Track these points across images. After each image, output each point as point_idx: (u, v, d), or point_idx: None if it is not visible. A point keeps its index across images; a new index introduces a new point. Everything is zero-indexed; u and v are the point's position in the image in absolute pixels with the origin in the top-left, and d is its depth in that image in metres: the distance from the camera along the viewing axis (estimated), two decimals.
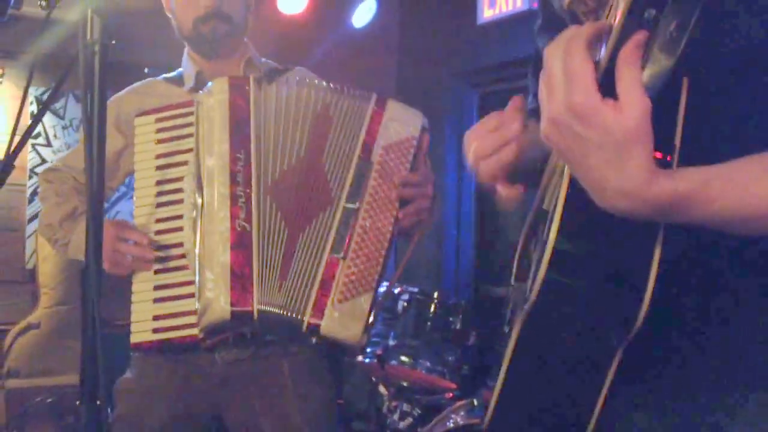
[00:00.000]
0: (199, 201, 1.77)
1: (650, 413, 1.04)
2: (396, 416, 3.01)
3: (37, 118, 1.78)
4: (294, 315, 1.75)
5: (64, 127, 5.15)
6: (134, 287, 1.89)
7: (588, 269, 0.87)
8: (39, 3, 1.21)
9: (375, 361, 2.90)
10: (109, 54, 1.05)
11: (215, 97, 1.84)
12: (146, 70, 5.25)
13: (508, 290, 1.33)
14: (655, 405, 1.03)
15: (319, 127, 1.88)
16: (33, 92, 5.00)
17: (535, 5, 4.41)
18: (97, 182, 1.01)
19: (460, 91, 5.09)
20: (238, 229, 1.73)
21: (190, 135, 1.89)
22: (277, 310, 1.74)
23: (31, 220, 4.98)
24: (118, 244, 1.85)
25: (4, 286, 4.92)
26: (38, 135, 4.95)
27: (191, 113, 1.89)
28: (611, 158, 0.76)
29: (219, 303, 1.69)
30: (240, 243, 1.73)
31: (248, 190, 1.77)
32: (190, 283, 1.81)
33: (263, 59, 2.23)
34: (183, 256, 1.85)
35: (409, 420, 2.99)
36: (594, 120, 0.75)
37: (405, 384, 3.03)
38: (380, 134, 1.88)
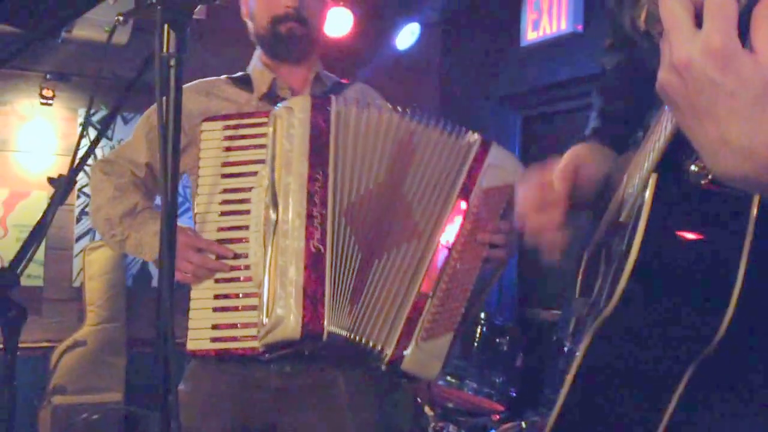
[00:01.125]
0: (273, 216, 1.77)
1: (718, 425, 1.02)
2: None
3: (95, 141, 1.78)
4: (366, 342, 1.75)
5: (112, 148, 5.25)
6: (193, 294, 1.87)
7: (670, 281, 0.87)
8: (116, 18, 1.24)
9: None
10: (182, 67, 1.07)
11: (297, 116, 1.83)
12: None
13: (570, 305, 1.33)
14: (721, 418, 1.02)
15: (401, 154, 1.86)
16: (81, 113, 5.12)
17: (580, 27, 4.42)
18: (171, 196, 1.04)
19: (503, 114, 5.10)
20: (313, 249, 1.72)
21: (261, 146, 1.88)
22: (344, 333, 1.74)
23: (78, 239, 5.08)
24: (190, 253, 1.85)
25: (52, 304, 5.00)
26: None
27: (264, 124, 1.89)
28: (743, 111, 0.68)
29: (290, 322, 1.68)
30: (313, 264, 1.72)
31: (324, 212, 1.76)
32: (253, 295, 1.81)
33: (325, 72, 2.23)
34: (247, 267, 1.85)
35: None
36: (733, 65, 0.68)
37: (451, 405, 3.01)
38: (481, 177, 1.86)
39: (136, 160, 2.11)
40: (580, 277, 1.25)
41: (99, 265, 4.87)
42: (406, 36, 4.89)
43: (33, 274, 4.87)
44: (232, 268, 1.86)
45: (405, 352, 1.75)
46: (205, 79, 2.17)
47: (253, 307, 1.80)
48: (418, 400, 3.20)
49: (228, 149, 1.93)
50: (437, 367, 1.78)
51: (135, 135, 2.15)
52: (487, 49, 5.04)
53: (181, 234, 1.91)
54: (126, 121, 5.19)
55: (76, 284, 5.02)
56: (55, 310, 5.00)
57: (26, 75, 4.85)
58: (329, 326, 1.71)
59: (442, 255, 1.81)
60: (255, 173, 1.89)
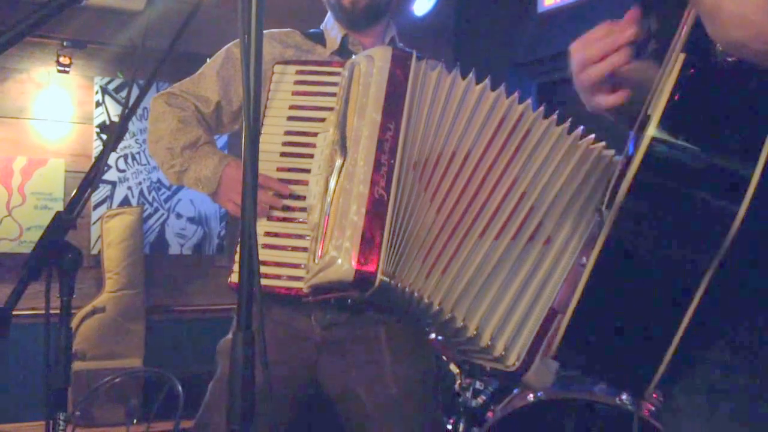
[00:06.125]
0: (339, 160, 1.71)
1: (733, 348, 1.04)
2: (469, 394, 3.02)
3: (139, 97, 1.77)
4: (443, 311, 1.65)
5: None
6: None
7: (683, 169, 0.87)
8: None
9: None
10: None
11: (376, 64, 1.78)
12: (208, 60, 5.35)
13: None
14: (740, 340, 1.03)
15: (502, 132, 1.75)
16: (98, 81, 5.11)
17: None
18: (254, 119, 1.05)
19: (518, 81, 5.09)
20: (376, 195, 1.66)
21: (331, 94, 1.86)
22: (408, 289, 1.65)
23: (96, 207, 5.09)
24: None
25: None
26: (103, 124, 5.06)
27: (338, 74, 1.87)
28: None
29: (344, 263, 1.61)
30: (375, 209, 1.65)
31: (392, 161, 1.69)
32: (304, 236, 1.80)
33: (403, 45, 2.19)
34: (303, 209, 1.83)
35: (482, 398, 3.00)
36: None
37: (477, 362, 3.03)
38: None
39: (205, 96, 2.09)
40: (610, 188, 1.21)
41: (117, 232, 4.89)
42: (423, 2, 4.88)
43: None
44: (288, 208, 1.85)
45: (528, 368, 1.66)
46: (278, 30, 2.14)
47: (304, 249, 1.78)
48: (444, 357, 3.23)
49: (297, 93, 1.92)
50: (549, 380, 1.71)
51: (205, 72, 2.12)
52: (504, 15, 5.04)
53: (237, 167, 1.91)
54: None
55: (94, 252, 5.04)
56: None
57: (43, 42, 4.83)
58: (382, 275, 1.62)
59: (576, 274, 1.72)
60: (323, 120, 1.87)
